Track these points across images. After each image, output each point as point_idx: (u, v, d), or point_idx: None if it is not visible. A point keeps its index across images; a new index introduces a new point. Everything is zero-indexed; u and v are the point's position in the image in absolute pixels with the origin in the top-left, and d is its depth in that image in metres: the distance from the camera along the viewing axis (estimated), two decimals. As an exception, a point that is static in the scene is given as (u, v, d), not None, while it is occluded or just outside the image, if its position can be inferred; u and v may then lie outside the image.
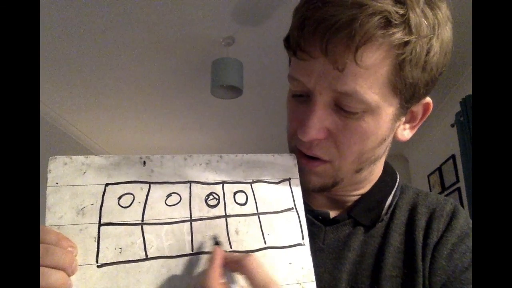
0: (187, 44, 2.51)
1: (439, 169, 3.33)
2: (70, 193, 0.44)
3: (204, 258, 0.44)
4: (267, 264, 0.45)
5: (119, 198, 0.45)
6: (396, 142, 0.55)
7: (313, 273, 0.45)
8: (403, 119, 0.52)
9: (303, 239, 0.47)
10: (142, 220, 0.44)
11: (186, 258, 0.44)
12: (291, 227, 0.48)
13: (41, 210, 0.40)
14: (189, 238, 0.45)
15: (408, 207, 0.58)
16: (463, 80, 2.83)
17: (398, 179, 0.60)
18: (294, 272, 0.45)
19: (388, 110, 0.48)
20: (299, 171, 0.51)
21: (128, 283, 0.41)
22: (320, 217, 0.56)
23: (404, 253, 0.53)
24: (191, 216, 0.46)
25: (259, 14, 2.26)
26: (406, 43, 0.43)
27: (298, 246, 0.47)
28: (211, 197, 0.47)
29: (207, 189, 0.47)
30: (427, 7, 0.45)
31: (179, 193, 0.46)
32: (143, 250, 0.43)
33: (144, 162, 0.47)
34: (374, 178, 0.59)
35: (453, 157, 3.08)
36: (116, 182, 0.45)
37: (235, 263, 0.41)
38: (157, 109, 3.43)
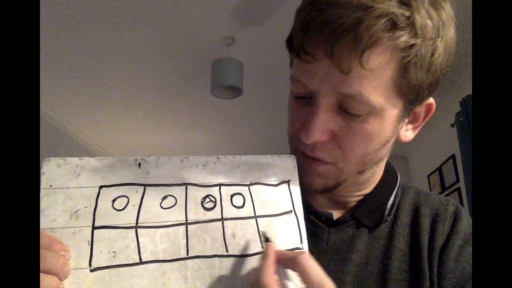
0: (187, 44, 2.51)
1: (439, 169, 3.33)
2: (64, 195, 0.43)
3: (198, 262, 0.43)
4: None
5: (113, 200, 0.44)
6: (396, 142, 0.55)
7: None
8: (406, 120, 0.52)
9: (301, 243, 0.47)
10: (137, 223, 0.43)
11: (181, 262, 0.43)
12: (290, 231, 0.47)
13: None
14: (184, 241, 0.44)
15: (411, 208, 0.58)
16: (463, 80, 2.83)
17: (399, 179, 0.60)
18: (293, 277, 0.45)
19: (392, 112, 0.48)
20: (301, 172, 0.51)
21: (121, 287, 0.41)
22: (323, 218, 0.56)
23: (409, 256, 0.53)
24: (186, 219, 0.45)
25: (259, 14, 2.26)
26: (412, 45, 0.43)
27: (297, 251, 0.46)
28: (207, 199, 0.46)
29: (204, 192, 0.46)
30: (432, 8, 0.44)
31: (175, 196, 0.45)
32: (137, 254, 0.42)
33: (140, 164, 0.46)
34: (376, 179, 0.58)
35: (453, 157, 3.08)
36: (111, 184, 0.44)
37: (289, 261, 0.40)
38: (157, 109, 3.43)
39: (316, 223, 0.56)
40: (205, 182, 0.47)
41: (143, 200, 0.45)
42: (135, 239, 0.43)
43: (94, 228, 0.42)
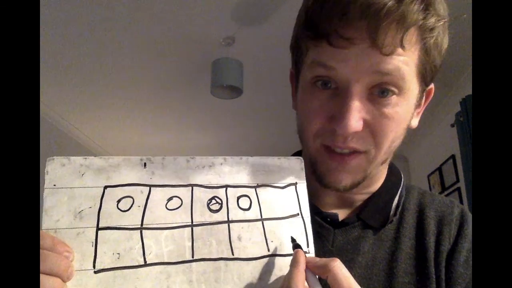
0: (187, 44, 2.51)
1: (439, 169, 3.32)
2: (68, 195, 0.42)
3: (204, 265, 0.43)
4: (270, 272, 0.44)
5: (118, 201, 0.43)
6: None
7: (318, 282, 0.43)
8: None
9: (308, 246, 0.46)
10: (142, 224, 0.43)
11: (186, 264, 0.42)
12: (296, 234, 0.46)
13: (40, 212, 0.39)
14: (190, 244, 0.43)
15: (416, 209, 0.58)
16: (463, 80, 2.83)
17: (403, 179, 0.60)
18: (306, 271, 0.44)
19: (414, 93, 0.49)
20: (327, 171, 0.50)
21: None
22: (328, 219, 0.56)
23: (415, 259, 0.53)
24: (192, 221, 0.44)
25: (259, 14, 2.26)
26: (434, 27, 0.45)
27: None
28: (213, 201, 0.46)
29: (210, 193, 0.46)
30: None
31: (181, 197, 0.45)
32: (142, 256, 0.42)
33: (145, 164, 0.45)
34: (382, 177, 0.58)
35: (453, 157, 3.08)
36: (116, 184, 0.44)
37: (320, 268, 0.40)
38: (157, 109, 3.43)
39: (322, 224, 0.55)
40: (211, 183, 0.46)
41: (148, 201, 0.44)
42: (140, 241, 0.42)
43: (98, 229, 0.42)
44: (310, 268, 0.41)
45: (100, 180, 0.44)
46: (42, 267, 0.37)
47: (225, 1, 2.15)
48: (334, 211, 0.57)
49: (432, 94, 0.55)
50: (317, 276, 0.41)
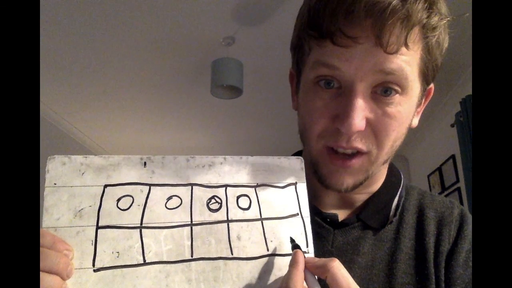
0: (187, 44, 2.51)
1: (439, 169, 3.32)
2: (68, 194, 0.43)
3: (203, 264, 0.43)
4: (269, 272, 0.44)
5: (118, 200, 0.43)
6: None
7: (317, 282, 0.44)
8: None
9: (307, 246, 0.46)
10: (141, 223, 0.43)
11: (185, 263, 0.43)
12: (296, 234, 0.46)
13: (40, 211, 0.39)
14: (189, 243, 0.43)
15: (416, 210, 0.58)
16: (463, 80, 2.83)
17: (402, 179, 0.60)
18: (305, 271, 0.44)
19: (416, 92, 0.49)
20: (329, 173, 0.50)
21: None
22: (328, 220, 0.55)
23: (415, 260, 0.53)
24: (191, 221, 0.44)
25: (259, 14, 2.26)
26: (437, 26, 0.45)
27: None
28: (213, 200, 0.46)
29: (209, 192, 0.46)
30: None
31: (180, 196, 0.45)
32: (141, 255, 0.42)
33: (145, 163, 0.45)
34: (382, 177, 0.58)
35: (453, 157, 3.08)
36: (116, 183, 0.44)
37: (319, 268, 0.40)
38: (157, 109, 3.43)
39: (321, 224, 0.55)
40: (211, 182, 0.46)
41: (148, 200, 0.44)
42: (139, 240, 0.42)
43: (98, 227, 0.42)
44: (309, 268, 0.41)
45: (100, 179, 0.44)
46: (42, 265, 0.37)
47: (225, 1, 2.15)
48: (334, 211, 0.57)
49: (432, 93, 0.55)
50: (316, 276, 0.41)
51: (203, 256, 0.43)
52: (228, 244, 0.44)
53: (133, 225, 0.43)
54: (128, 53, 2.59)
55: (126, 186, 0.44)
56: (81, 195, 0.43)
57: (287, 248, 0.45)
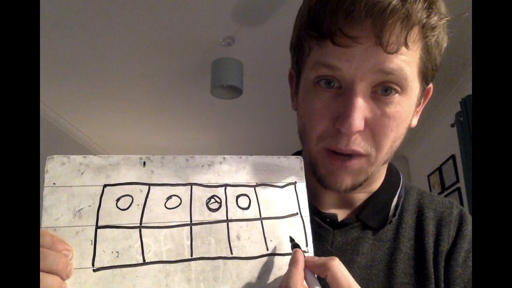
0: (187, 44, 2.51)
1: (439, 169, 3.32)
2: (67, 194, 0.42)
3: (202, 263, 0.43)
4: (269, 271, 0.44)
5: (118, 200, 0.43)
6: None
7: (317, 281, 0.44)
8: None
9: (307, 246, 0.46)
10: (141, 223, 0.43)
11: (185, 263, 0.43)
12: (295, 234, 0.46)
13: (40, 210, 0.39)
14: (189, 242, 0.43)
15: (415, 210, 0.58)
16: (463, 80, 2.83)
17: (401, 179, 0.60)
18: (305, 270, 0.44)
19: (416, 92, 0.49)
20: (328, 174, 0.50)
21: None
22: (327, 220, 0.55)
23: (414, 260, 0.53)
24: (191, 220, 0.44)
25: (259, 14, 2.26)
26: (436, 25, 0.45)
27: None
28: (212, 200, 0.46)
29: (209, 192, 0.46)
30: None
31: (180, 196, 0.45)
32: (141, 255, 0.42)
33: (144, 163, 0.45)
34: (381, 177, 0.58)
35: (453, 157, 3.08)
36: (115, 183, 0.44)
37: (319, 267, 0.39)
38: (157, 109, 3.43)
39: (321, 224, 0.55)
40: (210, 182, 0.46)
41: (148, 199, 0.44)
42: (139, 240, 0.42)
43: (97, 227, 0.42)
44: (309, 267, 0.41)
45: (100, 178, 0.44)
46: (41, 265, 0.37)
47: (225, 1, 2.15)
48: (333, 211, 0.57)
49: (431, 93, 0.55)
50: (315, 276, 0.41)
51: (202, 256, 0.43)
52: (228, 244, 0.44)
53: (132, 225, 0.43)
54: (128, 53, 2.59)
55: (126, 186, 0.44)
56: (80, 195, 0.43)
57: (287, 248, 0.45)
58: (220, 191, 0.46)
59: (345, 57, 0.45)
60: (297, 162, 0.50)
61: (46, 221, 0.41)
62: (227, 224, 0.45)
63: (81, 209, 0.42)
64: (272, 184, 0.48)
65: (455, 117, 2.82)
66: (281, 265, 0.45)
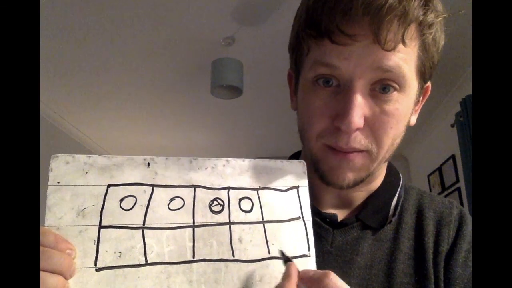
0: (187, 44, 2.51)
1: (439, 169, 3.33)
2: (71, 193, 0.43)
3: (204, 266, 0.43)
4: (270, 275, 0.44)
5: (121, 200, 0.43)
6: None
7: None
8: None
9: (309, 250, 0.46)
10: (144, 224, 0.43)
11: (187, 265, 0.43)
12: (297, 238, 0.46)
13: (41, 211, 0.39)
14: (191, 244, 0.44)
15: (415, 210, 0.58)
16: (463, 80, 2.83)
17: (401, 179, 0.60)
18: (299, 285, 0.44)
19: (414, 90, 0.50)
20: (330, 170, 0.50)
21: None
22: (327, 220, 0.56)
23: (414, 260, 0.53)
24: (193, 222, 0.44)
25: (259, 14, 2.26)
26: (433, 23, 0.46)
27: (304, 258, 0.46)
28: (215, 202, 0.46)
29: (212, 194, 0.46)
30: None
31: (183, 198, 0.45)
32: (143, 255, 0.42)
33: (148, 164, 0.45)
34: (381, 175, 0.58)
35: (453, 157, 3.08)
36: (119, 183, 0.44)
37: (315, 282, 0.39)
38: (157, 109, 3.43)
39: (321, 224, 0.55)
40: (213, 184, 0.46)
41: (151, 200, 0.44)
42: (142, 240, 0.42)
43: (100, 227, 0.42)
44: (305, 281, 0.40)
45: (104, 178, 0.44)
46: (44, 264, 0.37)
47: (225, 1, 2.15)
48: (333, 211, 0.57)
49: (429, 92, 0.55)
50: None
51: (204, 258, 0.43)
52: (230, 246, 0.44)
53: (135, 226, 0.43)
54: (128, 53, 2.59)
55: (129, 186, 0.44)
56: (84, 194, 0.43)
57: (289, 251, 0.46)
58: (223, 194, 0.46)
59: (344, 55, 0.46)
60: (300, 166, 0.50)
61: (50, 219, 0.41)
62: (230, 227, 0.45)
63: (85, 208, 0.42)
64: (275, 187, 0.48)
65: (455, 117, 2.82)
66: (282, 269, 0.44)
